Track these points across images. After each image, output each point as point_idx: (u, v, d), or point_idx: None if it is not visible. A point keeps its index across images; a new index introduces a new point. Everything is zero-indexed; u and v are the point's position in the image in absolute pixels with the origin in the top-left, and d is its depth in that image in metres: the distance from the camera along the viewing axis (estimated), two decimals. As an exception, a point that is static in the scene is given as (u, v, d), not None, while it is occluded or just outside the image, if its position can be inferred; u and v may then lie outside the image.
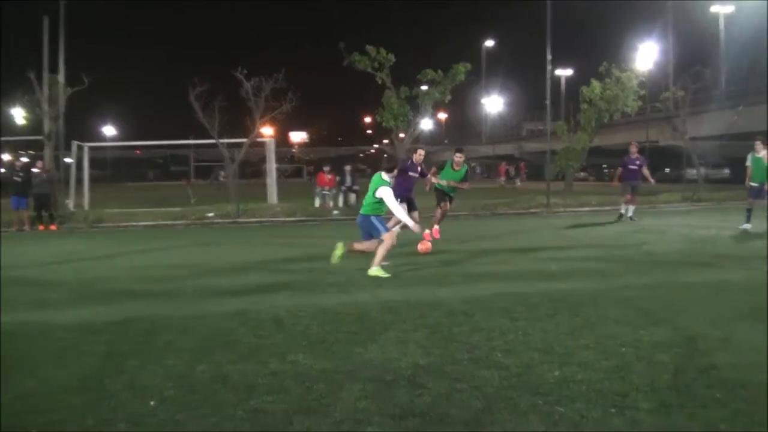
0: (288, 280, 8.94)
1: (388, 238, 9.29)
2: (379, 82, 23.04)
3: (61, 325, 6.65)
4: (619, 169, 17.99)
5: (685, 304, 7.10)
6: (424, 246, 11.59)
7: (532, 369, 4.88)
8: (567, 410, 4.09)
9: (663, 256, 10.91)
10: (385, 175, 9.45)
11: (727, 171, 48.37)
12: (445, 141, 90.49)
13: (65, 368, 5.18)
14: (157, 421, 4.06)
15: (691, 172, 31.38)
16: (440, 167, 13.44)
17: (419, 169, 12.65)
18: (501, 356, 5.18)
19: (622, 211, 17.93)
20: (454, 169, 13.13)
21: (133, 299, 8.04)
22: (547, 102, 26.44)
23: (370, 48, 22.69)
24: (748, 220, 14.66)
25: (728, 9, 55.10)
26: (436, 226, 13.58)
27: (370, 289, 8.19)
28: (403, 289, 8.21)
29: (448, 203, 13.71)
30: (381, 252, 9.28)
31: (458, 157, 13.08)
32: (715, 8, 56.01)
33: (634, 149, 17.84)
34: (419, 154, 12.76)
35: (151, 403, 4.35)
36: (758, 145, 14.77)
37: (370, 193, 9.48)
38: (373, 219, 9.40)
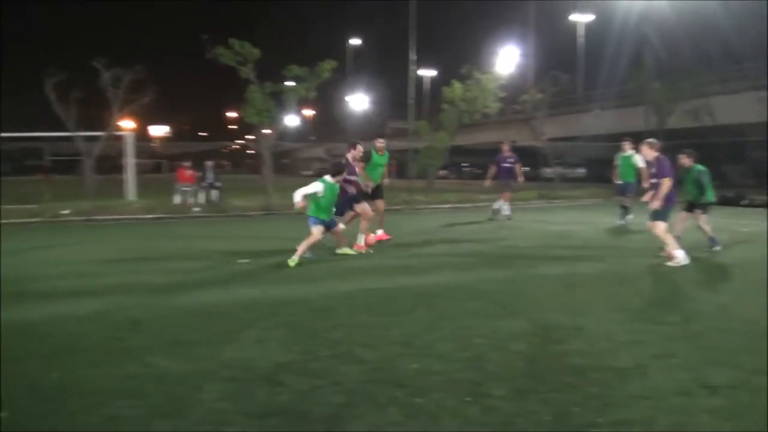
0: (145, 280, 8.65)
1: (315, 233, 10.01)
2: (243, 76, 22.70)
3: None
4: (493, 168, 18.07)
5: (539, 296, 7.49)
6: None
7: (392, 362, 4.98)
8: (425, 401, 4.20)
9: (520, 250, 11.39)
10: (329, 178, 10.26)
11: (582, 170, 51.08)
12: (311, 138, 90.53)
13: None
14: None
15: (548, 171, 32.83)
16: (366, 159, 12.54)
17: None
18: (362, 351, 5.26)
19: (496, 207, 18.03)
20: (380, 155, 12.72)
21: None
22: (411, 101, 27.00)
23: (233, 41, 22.29)
24: (626, 214, 15.51)
25: (587, 18, 58.20)
26: (377, 233, 12.57)
27: (230, 287, 8.07)
28: (264, 286, 8.15)
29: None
30: (304, 245, 9.89)
31: (380, 143, 12.80)
32: (573, 17, 59.03)
33: (506, 148, 18.06)
34: (358, 151, 12.08)
35: (3, 414, 4.11)
36: (625, 145, 15.54)
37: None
38: (311, 218, 10.17)
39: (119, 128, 25.65)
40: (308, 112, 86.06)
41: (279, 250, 11.52)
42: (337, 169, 10.63)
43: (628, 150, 15.39)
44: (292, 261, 9.66)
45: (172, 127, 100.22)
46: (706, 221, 11.13)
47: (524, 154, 45.44)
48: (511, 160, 17.95)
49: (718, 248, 10.82)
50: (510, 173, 17.87)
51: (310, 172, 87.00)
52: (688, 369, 4.86)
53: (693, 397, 4.32)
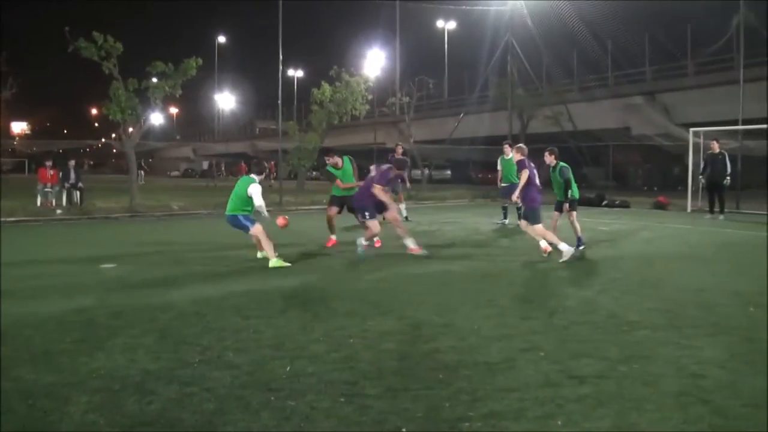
0: (5, 288, 8.21)
1: (258, 232, 10.11)
2: (106, 72, 21.83)
3: None
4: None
5: (410, 295, 7.67)
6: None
7: (264, 366, 4.99)
8: (298, 403, 4.24)
9: (391, 250, 11.55)
10: (255, 176, 10.36)
11: (448, 172, 52.45)
12: (177, 137, 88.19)
13: None
14: None
15: (416, 173, 33.54)
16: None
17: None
18: (233, 356, 5.23)
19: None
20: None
21: None
22: (279, 101, 26.82)
23: (96, 35, 21.39)
24: (505, 216, 16.29)
25: (451, 25, 59.85)
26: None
27: (94, 294, 7.75)
28: (131, 292, 7.92)
29: None
30: (268, 246, 10.03)
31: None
32: (440, 23, 60.52)
33: (399, 150, 17.93)
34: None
35: None
36: (506, 147, 15.78)
37: (238, 193, 10.18)
38: (241, 218, 10.17)
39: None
40: (174, 111, 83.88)
41: (143, 253, 11.24)
42: (260, 167, 10.78)
43: (509, 153, 15.48)
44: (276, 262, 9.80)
45: (32, 123, 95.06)
46: (576, 218, 11.61)
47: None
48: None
49: (582, 248, 11.32)
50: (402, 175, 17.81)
51: (177, 173, 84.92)
52: (555, 361, 5.13)
53: (560, 388, 4.56)
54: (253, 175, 10.42)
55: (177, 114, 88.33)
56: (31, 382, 4.66)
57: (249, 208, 10.22)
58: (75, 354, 5.29)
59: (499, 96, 35.08)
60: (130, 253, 11.36)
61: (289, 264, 9.86)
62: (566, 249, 10.33)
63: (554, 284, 8.67)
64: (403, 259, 10.57)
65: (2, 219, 17.82)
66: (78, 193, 22.65)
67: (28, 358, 5.20)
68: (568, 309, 7.01)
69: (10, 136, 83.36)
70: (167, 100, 24.06)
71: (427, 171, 34.28)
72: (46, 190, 22.65)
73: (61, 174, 22.94)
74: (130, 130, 23.20)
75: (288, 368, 4.92)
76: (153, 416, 4.06)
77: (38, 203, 22.09)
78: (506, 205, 16.13)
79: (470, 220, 17.00)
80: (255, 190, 10.09)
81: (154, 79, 22.84)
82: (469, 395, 4.42)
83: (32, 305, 7.19)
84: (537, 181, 11.13)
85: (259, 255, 10.51)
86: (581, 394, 4.45)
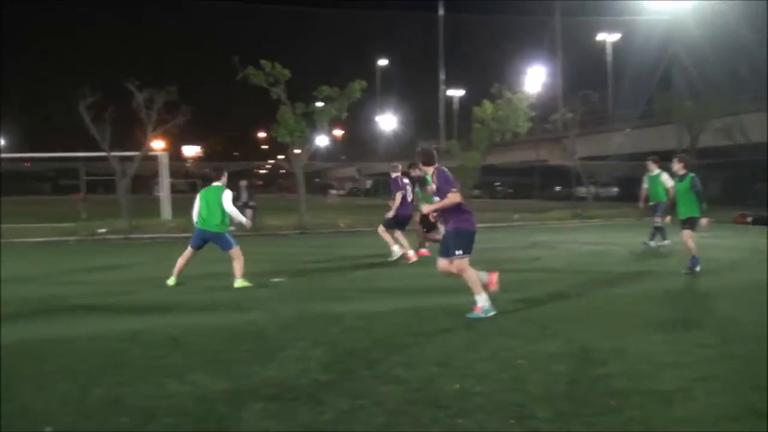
0: (181, 299, 8.70)
1: (237, 254, 9.85)
2: (275, 97, 22.86)
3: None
4: None
5: (577, 317, 7.37)
6: None
7: (432, 382, 4.93)
8: (467, 422, 4.15)
9: (554, 270, 11.26)
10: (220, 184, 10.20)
11: (615, 189, 50.71)
12: (342, 158, 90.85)
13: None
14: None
15: (581, 191, 32.61)
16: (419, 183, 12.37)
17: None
18: (401, 371, 5.22)
19: None
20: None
21: (24, 321, 7.62)
22: (441, 121, 26.93)
23: (265, 62, 22.48)
24: (663, 237, 14.74)
25: (614, 37, 58.00)
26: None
27: (266, 306, 8.08)
28: (299, 305, 8.15)
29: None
30: (238, 266, 9.79)
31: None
32: (601, 36, 58.83)
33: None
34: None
35: (47, 429, 4.13)
36: (651, 164, 14.84)
37: (216, 208, 9.88)
38: (227, 236, 9.92)
39: (152, 149, 25.98)
40: (339, 132, 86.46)
41: (311, 269, 11.57)
42: (218, 175, 10.48)
43: (654, 170, 14.72)
44: None
45: (204, 147, 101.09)
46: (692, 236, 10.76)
47: (556, 174, 45.45)
48: None
49: (698, 269, 10.57)
50: None
51: (343, 192, 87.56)
52: (733, 393, 4.73)
53: (740, 423, 4.20)
54: (218, 184, 10.21)
55: (342, 135, 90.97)
56: (206, 387, 4.87)
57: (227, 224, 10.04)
58: (248, 363, 5.48)
59: (665, 109, 33.52)
60: (299, 268, 11.74)
61: (251, 284, 9.67)
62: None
63: (724, 308, 8.01)
64: (565, 280, 10.22)
65: (177, 234, 19.03)
66: (250, 211, 23.78)
67: (203, 365, 5.45)
68: (744, 336, 6.47)
69: (182, 159, 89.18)
70: (333, 122, 24.81)
71: (593, 188, 33.24)
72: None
73: (233, 194, 24.21)
74: (298, 151, 24.12)
75: (456, 386, 4.83)
76: (326, 426, 4.10)
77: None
78: (660, 225, 14.93)
79: (637, 240, 16.19)
80: (227, 197, 10.00)
81: (320, 103, 23.64)
82: (643, 425, 4.16)
83: (206, 316, 7.59)
84: None
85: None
86: (764, 432, 4.07)
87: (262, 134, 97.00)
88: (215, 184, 10.30)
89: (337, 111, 22.94)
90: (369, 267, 11.93)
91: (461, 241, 7.36)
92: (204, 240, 10.07)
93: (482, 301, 7.33)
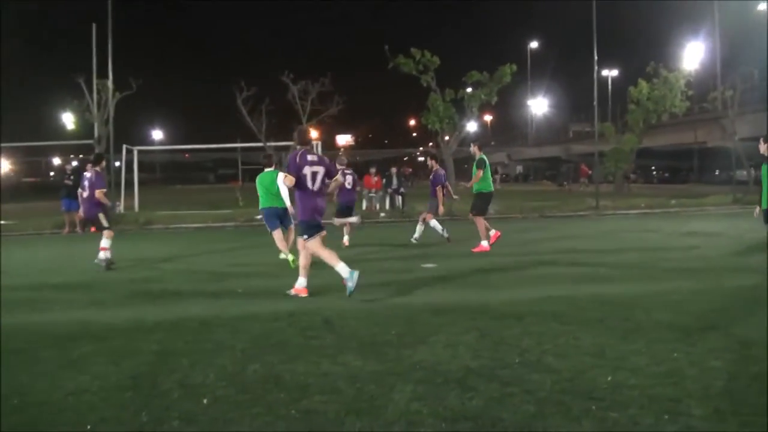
0: (332, 281, 8.96)
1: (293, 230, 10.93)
2: (424, 84, 22.99)
3: (113, 324, 6.77)
4: None
5: (737, 310, 6.93)
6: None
7: (584, 373, 4.80)
8: (620, 416, 4.00)
9: (714, 260, 10.67)
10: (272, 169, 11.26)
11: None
12: (492, 143, 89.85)
13: (118, 366, 5.26)
14: (210, 420, 4.09)
15: (742, 174, 30.64)
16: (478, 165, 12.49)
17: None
18: (552, 360, 5.11)
19: None
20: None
21: (183, 300, 8.18)
22: (594, 103, 26.08)
23: (414, 51, 22.64)
24: None
25: (778, 6, 53.82)
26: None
27: (417, 291, 8.17)
28: (450, 291, 8.19)
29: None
30: (290, 239, 11.13)
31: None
32: (762, 7, 54.71)
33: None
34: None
35: (204, 401, 4.38)
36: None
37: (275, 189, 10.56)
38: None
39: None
40: (489, 118, 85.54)
41: (460, 255, 11.55)
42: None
43: None
44: None
45: (356, 135, 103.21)
46: None
47: (714, 156, 42.92)
48: None
49: None
50: None
51: (495, 177, 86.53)
52: None
53: None
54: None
55: (491, 120, 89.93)
56: (358, 368, 4.98)
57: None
58: (399, 346, 5.56)
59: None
60: (449, 253, 11.78)
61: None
62: None
63: None
64: (725, 270, 9.64)
65: (329, 221, 19.50)
66: (400, 197, 24.10)
67: (355, 347, 5.58)
68: None
69: (335, 148, 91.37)
70: (482, 108, 24.65)
71: (754, 171, 31.11)
72: (370, 195, 24.43)
73: (384, 180, 24.62)
74: (447, 138, 24.16)
75: (609, 378, 4.67)
76: (474, 412, 4.08)
77: (363, 207, 23.88)
78: None
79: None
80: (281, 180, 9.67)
81: (470, 89, 23.54)
82: (806, 427, 3.85)
83: (356, 299, 7.73)
84: None
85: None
86: None
87: (411, 122, 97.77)
88: (267, 170, 11.31)
89: (486, 96, 22.82)
90: (519, 255, 11.77)
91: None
92: (278, 217, 11.03)
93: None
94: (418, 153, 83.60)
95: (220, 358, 5.34)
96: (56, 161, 39.69)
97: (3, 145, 32.18)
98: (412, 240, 13.70)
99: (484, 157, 12.57)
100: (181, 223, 21.08)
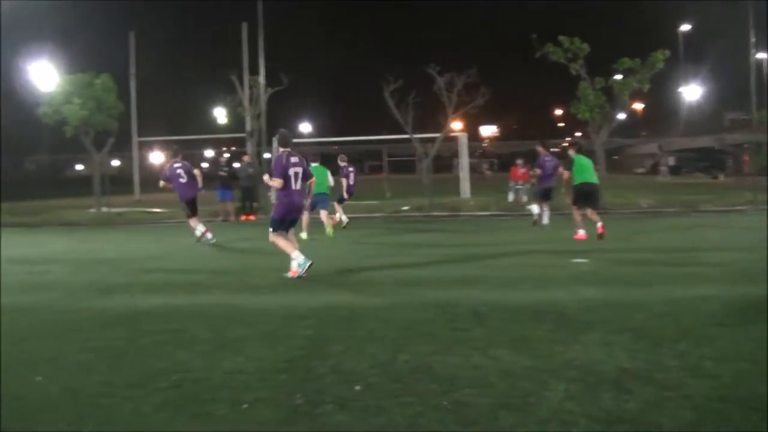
0: (482, 273, 8.96)
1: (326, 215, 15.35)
2: (573, 73, 22.40)
3: (267, 309, 7.08)
4: None
5: None
6: None
7: (744, 380, 4.53)
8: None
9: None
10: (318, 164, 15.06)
11: None
12: (643, 133, 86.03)
13: (273, 349, 5.49)
14: (362, 405, 4.18)
15: None
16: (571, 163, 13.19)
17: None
18: (711, 364, 4.86)
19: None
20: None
21: (334, 288, 8.43)
22: (751, 89, 24.45)
23: (563, 38, 22.10)
24: None
25: None
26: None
27: (567, 286, 8.01)
28: (600, 287, 7.97)
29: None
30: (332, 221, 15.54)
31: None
32: None
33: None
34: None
35: (356, 387, 4.49)
36: None
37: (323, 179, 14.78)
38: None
39: (452, 130, 26.81)
40: (639, 106, 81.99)
41: (614, 250, 11.22)
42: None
43: None
44: None
45: (500, 126, 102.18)
46: None
47: None
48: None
49: None
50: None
51: (642, 170, 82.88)
52: None
53: None
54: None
55: (642, 109, 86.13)
56: (509, 362, 4.94)
57: None
58: (551, 342, 5.46)
59: None
60: (601, 248, 11.47)
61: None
62: None
63: None
64: None
65: (476, 213, 19.49)
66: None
67: (506, 341, 5.54)
68: None
69: (479, 139, 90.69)
70: (634, 96, 23.76)
71: None
72: (517, 187, 24.11)
73: (530, 172, 24.19)
74: (597, 128, 23.45)
75: (774, 388, 4.41)
76: (630, 415, 3.95)
77: (509, 199, 23.65)
78: None
79: None
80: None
81: (619, 76, 22.73)
82: None
83: (504, 292, 7.74)
84: None
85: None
86: None
87: (558, 112, 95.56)
88: (314, 164, 14.14)
89: (638, 83, 21.95)
90: (671, 251, 11.28)
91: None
92: (315, 202, 14.59)
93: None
94: (565, 144, 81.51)
95: (372, 347, 5.45)
96: (209, 154, 42.02)
97: (158, 138, 34.30)
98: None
99: (576, 158, 13.21)
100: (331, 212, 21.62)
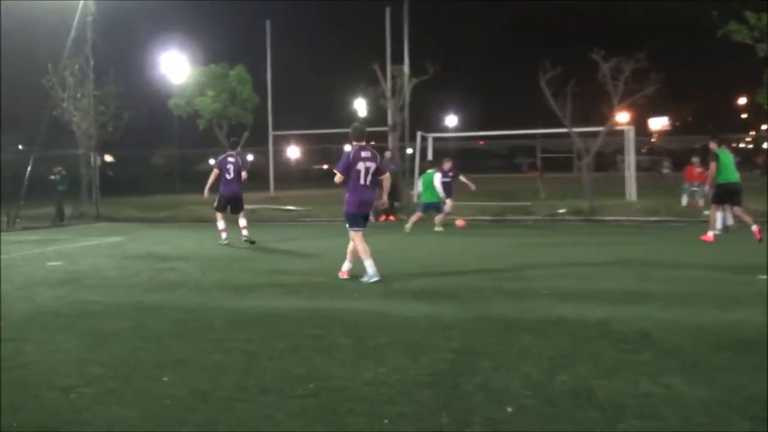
0: (654, 288, 8.64)
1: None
2: (761, 54, 21.22)
3: (411, 318, 7.18)
4: None
5: None
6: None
7: None
8: None
9: None
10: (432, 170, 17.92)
11: None
12: None
13: (416, 361, 5.56)
14: (514, 429, 4.17)
15: None
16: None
17: None
18: None
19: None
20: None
21: (484, 297, 8.40)
22: None
23: (748, 14, 20.97)
24: None
25: None
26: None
27: (752, 306, 7.54)
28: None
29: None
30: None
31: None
32: None
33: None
34: None
35: (509, 409, 4.47)
36: None
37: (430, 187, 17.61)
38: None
39: (617, 123, 26.05)
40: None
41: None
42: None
43: None
44: None
45: (672, 118, 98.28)
46: None
47: None
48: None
49: None
50: None
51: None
52: None
53: None
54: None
55: None
56: (683, 393, 4.76)
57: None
58: (732, 372, 5.19)
59: None
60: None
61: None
62: None
63: None
64: None
65: (643, 218, 18.85)
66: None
67: (679, 367, 5.34)
68: None
69: (648, 133, 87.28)
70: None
71: None
72: (692, 189, 23.10)
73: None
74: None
75: None
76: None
77: (683, 203, 22.71)
78: None
79: None
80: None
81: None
82: None
83: (679, 310, 7.44)
84: None
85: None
86: None
87: (741, 101, 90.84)
88: (429, 171, 17.64)
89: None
90: None
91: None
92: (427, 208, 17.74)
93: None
94: (749, 139, 77.28)
95: (525, 365, 5.42)
96: (348, 149, 42.56)
97: (295, 132, 35.20)
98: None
99: (719, 151, 14.05)
100: (476, 214, 21.60)
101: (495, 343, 6.10)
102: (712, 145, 14.33)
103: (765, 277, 9.52)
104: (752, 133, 73.43)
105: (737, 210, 14.25)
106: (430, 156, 26.68)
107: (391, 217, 21.55)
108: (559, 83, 23.18)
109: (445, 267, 11.12)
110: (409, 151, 26.85)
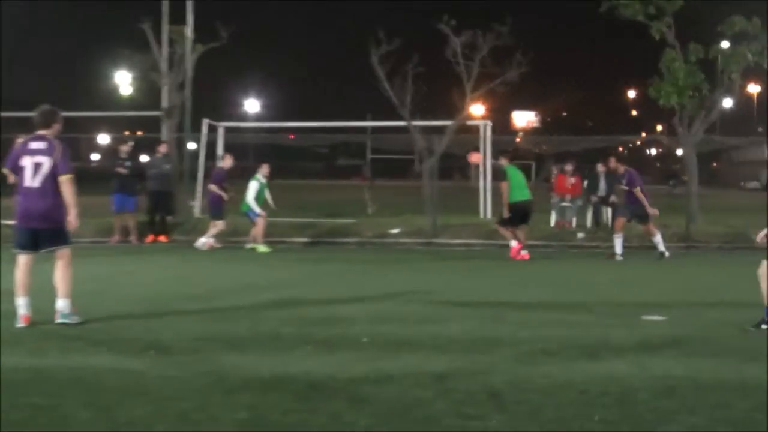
0: (507, 333, 8.91)
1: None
2: (656, 37, 22.32)
3: (175, 376, 7.04)
4: None
5: None
6: None
7: None
8: None
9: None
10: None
11: None
12: (759, 129, 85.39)
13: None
14: None
15: None
16: None
17: None
18: None
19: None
20: None
21: (284, 347, 8.41)
22: None
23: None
24: None
25: None
26: None
27: (636, 356, 7.90)
28: (685, 360, 7.84)
29: None
30: None
31: None
32: None
33: None
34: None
35: None
36: None
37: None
38: None
39: (471, 116, 26.54)
40: (753, 90, 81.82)
41: (703, 303, 11.18)
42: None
43: None
44: None
45: (543, 112, 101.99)
46: None
47: None
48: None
49: None
50: None
51: (755, 184, 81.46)
52: None
53: None
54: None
55: (758, 94, 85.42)
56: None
57: None
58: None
59: None
60: (684, 301, 11.44)
61: None
62: None
63: None
64: None
65: (497, 241, 19.48)
66: (609, 210, 23.49)
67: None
68: None
69: (511, 131, 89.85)
70: (747, 74, 23.75)
71: None
72: (562, 204, 23.87)
73: (586, 183, 23.95)
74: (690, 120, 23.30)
75: None
76: None
77: (552, 222, 23.39)
78: None
79: None
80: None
81: (725, 44, 22.73)
82: None
83: (539, 364, 7.64)
84: None
85: None
86: None
87: (631, 94, 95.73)
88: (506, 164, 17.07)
89: (755, 55, 21.85)
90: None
91: None
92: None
93: None
94: (640, 142, 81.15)
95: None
96: (104, 140, 39.81)
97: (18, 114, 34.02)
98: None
99: (508, 168, 16.87)
100: (283, 235, 21.29)
101: (295, 411, 6.05)
102: (503, 161, 16.69)
103: (651, 317, 10.03)
104: (643, 134, 77.09)
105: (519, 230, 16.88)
106: (220, 152, 26.40)
107: (161, 238, 20.79)
108: (397, 61, 23.29)
109: (236, 300, 11.17)
110: (192, 145, 26.30)
